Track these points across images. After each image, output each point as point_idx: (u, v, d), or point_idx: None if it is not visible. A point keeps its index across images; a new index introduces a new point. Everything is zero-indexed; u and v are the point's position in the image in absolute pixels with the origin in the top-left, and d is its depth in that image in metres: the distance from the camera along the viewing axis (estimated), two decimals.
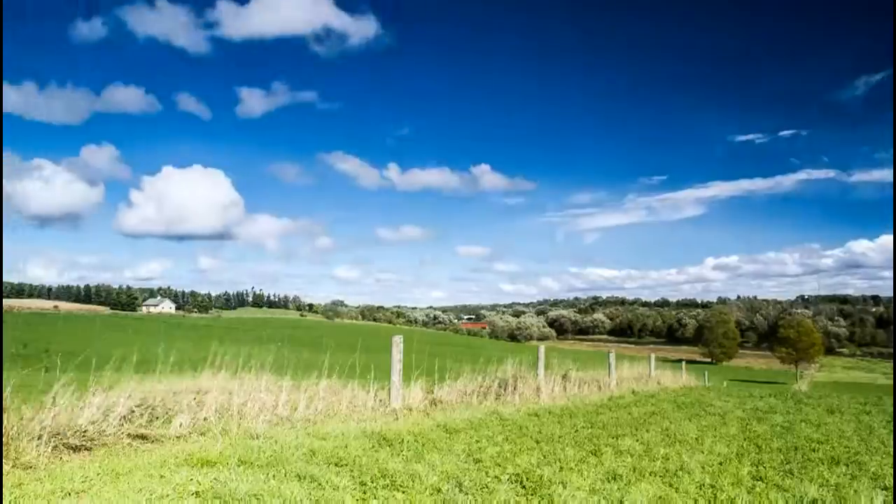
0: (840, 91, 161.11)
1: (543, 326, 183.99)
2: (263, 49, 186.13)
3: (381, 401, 8.73)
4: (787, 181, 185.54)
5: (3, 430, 4.84)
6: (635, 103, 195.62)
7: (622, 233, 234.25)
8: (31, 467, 4.64)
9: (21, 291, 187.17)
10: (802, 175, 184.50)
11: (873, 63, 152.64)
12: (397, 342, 8.98)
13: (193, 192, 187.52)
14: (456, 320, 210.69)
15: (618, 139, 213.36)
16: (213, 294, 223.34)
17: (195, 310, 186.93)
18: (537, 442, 6.76)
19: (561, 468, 5.45)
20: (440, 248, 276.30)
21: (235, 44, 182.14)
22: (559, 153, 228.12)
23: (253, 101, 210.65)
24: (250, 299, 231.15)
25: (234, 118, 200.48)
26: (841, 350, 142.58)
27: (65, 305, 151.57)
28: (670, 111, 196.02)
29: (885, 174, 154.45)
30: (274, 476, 4.64)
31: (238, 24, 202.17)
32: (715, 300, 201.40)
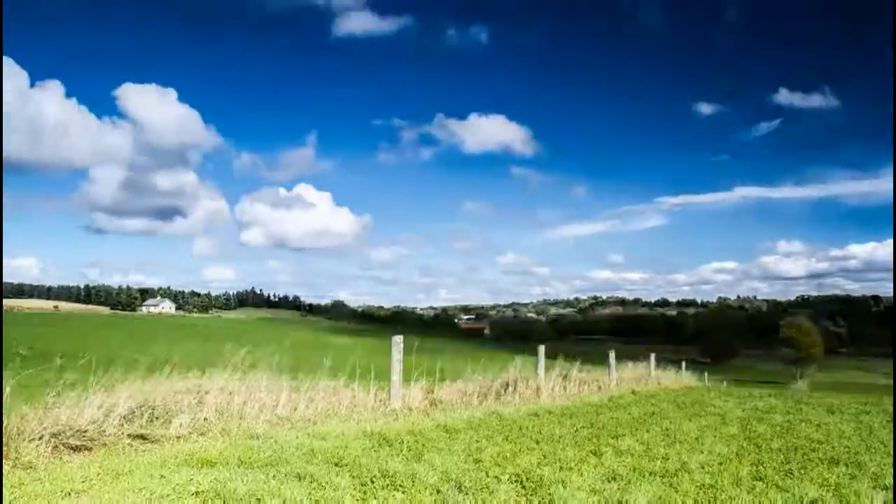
0: (747, 131, 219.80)
1: (543, 327, 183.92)
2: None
3: (381, 401, 8.73)
4: (730, 196, 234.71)
5: (3, 430, 4.84)
6: (591, 135, 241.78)
7: (599, 239, 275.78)
8: (31, 467, 4.64)
9: (21, 291, 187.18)
10: (740, 192, 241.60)
11: (772, 114, 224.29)
12: (397, 342, 8.98)
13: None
14: (456, 320, 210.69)
15: (576, 166, 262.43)
16: (213, 294, 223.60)
17: (195, 310, 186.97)
18: (537, 442, 6.76)
19: (561, 468, 5.45)
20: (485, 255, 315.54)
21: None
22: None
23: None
24: (250, 299, 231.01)
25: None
26: (841, 350, 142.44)
27: (65, 305, 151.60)
28: (612, 142, 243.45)
29: (809, 191, 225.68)
30: (274, 476, 4.64)
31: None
32: (715, 300, 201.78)
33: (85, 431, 5.46)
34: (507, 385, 11.27)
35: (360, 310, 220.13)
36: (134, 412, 6.15)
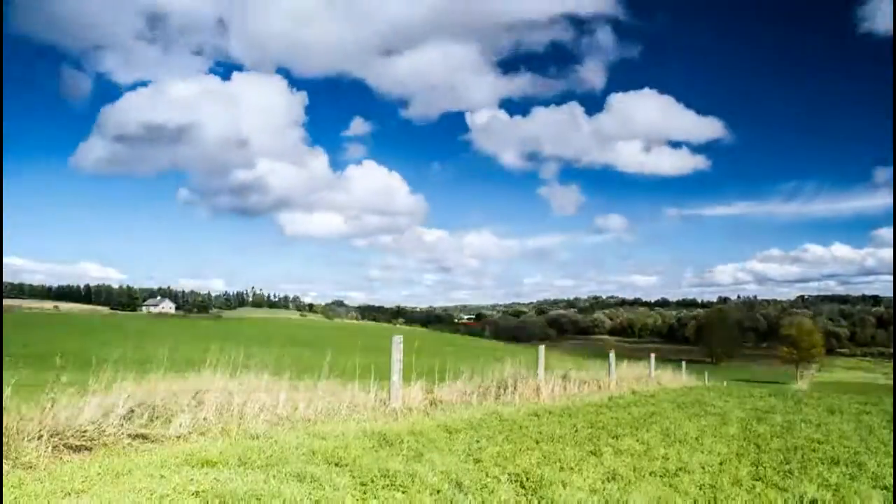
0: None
1: (543, 326, 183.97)
2: None
3: (381, 401, 8.73)
4: (664, 216, 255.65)
5: (3, 430, 4.84)
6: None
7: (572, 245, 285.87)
8: (31, 467, 4.64)
9: (21, 291, 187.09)
10: (672, 211, 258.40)
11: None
12: (397, 342, 8.98)
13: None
14: (456, 320, 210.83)
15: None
16: (213, 294, 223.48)
17: (195, 310, 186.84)
18: (537, 442, 6.76)
19: (561, 468, 5.45)
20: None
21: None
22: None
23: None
24: (250, 299, 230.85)
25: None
26: (841, 350, 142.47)
27: (65, 305, 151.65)
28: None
29: (730, 209, 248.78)
30: (274, 476, 4.64)
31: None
32: (715, 300, 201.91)
33: (85, 431, 5.46)
34: (507, 385, 11.28)
35: (359, 309, 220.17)
36: (134, 412, 6.15)
